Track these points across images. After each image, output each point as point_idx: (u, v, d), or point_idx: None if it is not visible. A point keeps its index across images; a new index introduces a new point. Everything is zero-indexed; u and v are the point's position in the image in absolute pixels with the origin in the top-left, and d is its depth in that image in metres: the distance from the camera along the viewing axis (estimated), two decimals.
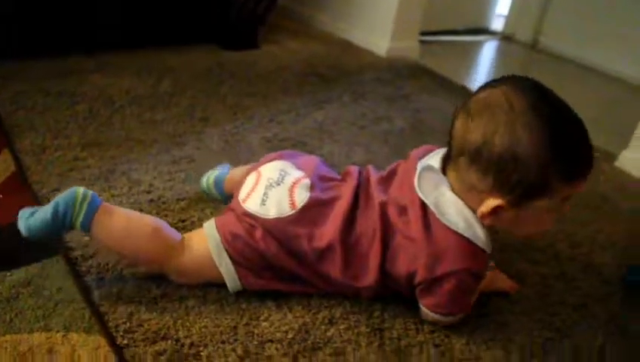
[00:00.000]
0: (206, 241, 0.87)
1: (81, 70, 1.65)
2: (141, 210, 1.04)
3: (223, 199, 1.08)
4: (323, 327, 0.86)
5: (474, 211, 0.83)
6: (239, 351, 0.79)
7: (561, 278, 1.08)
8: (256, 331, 0.83)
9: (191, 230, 0.96)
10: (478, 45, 3.04)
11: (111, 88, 1.57)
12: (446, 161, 0.86)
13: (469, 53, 2.89)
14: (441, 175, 0.86)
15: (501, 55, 2.99)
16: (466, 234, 0.82)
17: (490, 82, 0.82)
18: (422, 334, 0.88)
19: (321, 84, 1.89)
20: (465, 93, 2.06)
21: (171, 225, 0.92)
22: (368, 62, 2.22)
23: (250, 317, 0.85)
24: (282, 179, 0.90)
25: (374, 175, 0.94)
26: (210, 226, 0.89)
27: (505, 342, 0.90)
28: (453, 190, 0.84)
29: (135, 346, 0.77)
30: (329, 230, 0.86)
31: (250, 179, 0.92)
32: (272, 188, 0.88)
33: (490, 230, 0.86)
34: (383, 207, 0.87)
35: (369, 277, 0.87)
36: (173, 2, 1.91)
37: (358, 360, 0.81)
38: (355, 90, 1.88)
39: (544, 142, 0.75)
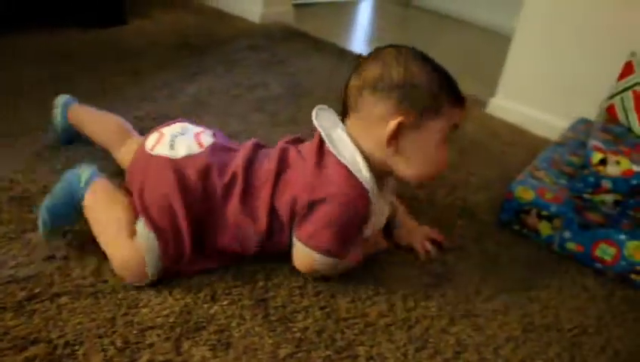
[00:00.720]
0: None
1: None
2: (0, 210, 0.97)
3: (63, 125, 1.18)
4: (205, 306, 0.84)
5: (367, 156, 0.89)
6: (118, 343, 0.76)
7: (438, 223, 1.12)
8: (135, 319, 0.80)
9: None
10: (353, 6, 3.06)
11: None
12: (343, 117, 0.94)
13: (344, 14, 2.90)
14: (337, 118, 0.94)
15: (376, 13, 3.03)
16: (349, 166, 0.86)
17: (373, 50, 0.92)
18: (307, 298, 0.88)
19: (194, 56, 1.83)
20: (340, 53, 2.07)
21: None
22: (242, 30, 2.17)
23: (129, 306, 0.82)
24: (186, 131, 0.96)
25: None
26: None
27: (389, 294, 0.92)
28: (348, 134, 0.90)
29: (3, 356, 0.72)
30: (232, 168, 0.91)
31: (153, 137, 0.96)
32: (178, 137, 0.94)
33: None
34: (285, 149, 0.95)
35: (260, 212, 0.88)
36: None
37: (244, 334, 0.80)
38: (229, 59, 1.83)
39: (433, 75, 0.88)
